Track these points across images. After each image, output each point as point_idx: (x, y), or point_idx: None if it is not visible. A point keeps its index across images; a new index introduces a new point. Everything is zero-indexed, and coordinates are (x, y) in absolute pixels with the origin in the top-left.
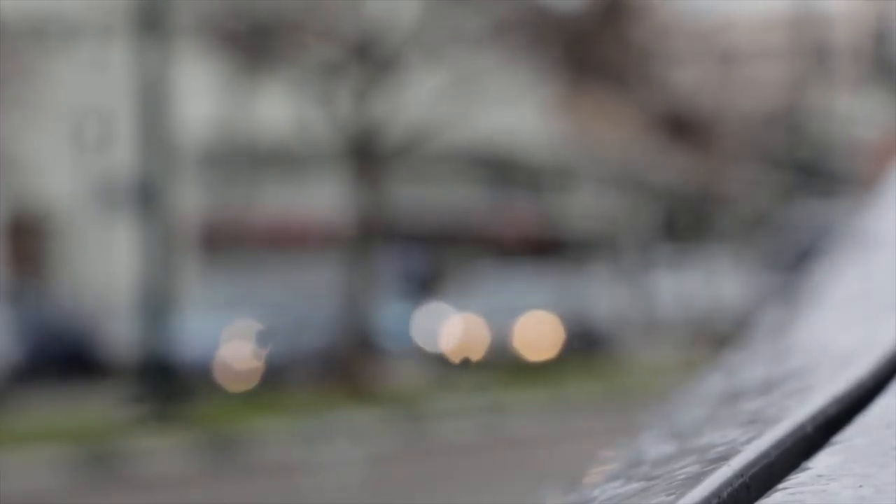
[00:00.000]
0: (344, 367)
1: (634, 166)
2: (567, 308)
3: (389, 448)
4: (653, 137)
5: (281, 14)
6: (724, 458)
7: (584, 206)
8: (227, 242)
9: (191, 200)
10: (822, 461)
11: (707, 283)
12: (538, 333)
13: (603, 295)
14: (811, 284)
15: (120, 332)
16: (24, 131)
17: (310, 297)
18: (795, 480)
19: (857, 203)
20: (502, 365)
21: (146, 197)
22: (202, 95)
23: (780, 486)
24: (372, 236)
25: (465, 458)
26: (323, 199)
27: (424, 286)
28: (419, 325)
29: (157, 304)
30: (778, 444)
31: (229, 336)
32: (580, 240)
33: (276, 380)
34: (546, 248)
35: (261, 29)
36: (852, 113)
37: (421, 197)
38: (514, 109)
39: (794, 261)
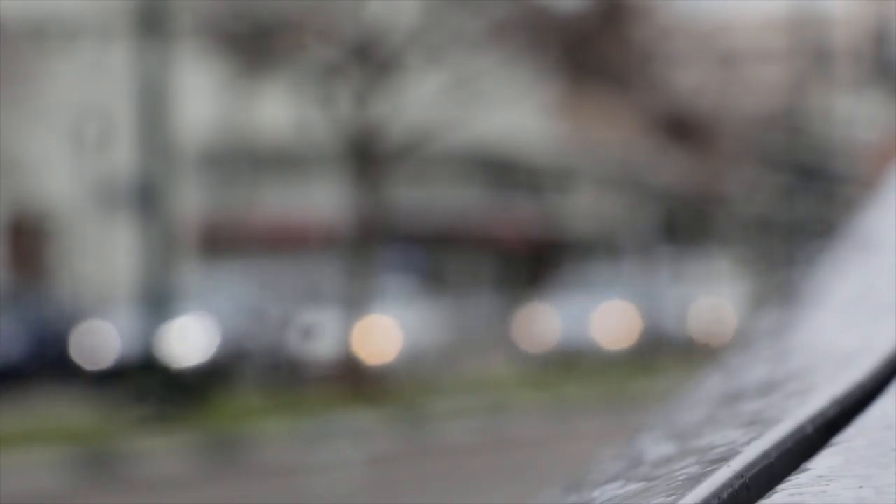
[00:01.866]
0: (345, 368)
1: (634, 167)
2: None
3: (390, 449)
4: (653, 139)
5: (281, 15)
6: (724, 458)
7: (584, 208)
8: (227, 243)
9: (191, 201)
10: (822, 462)
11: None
12: None
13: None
14: (811, 285)
15: (119, 333)
16: (25, 131)
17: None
18: (795, 481)
19: (857, 204)
20: None
21: (146, 197)
22: (202, 96)
23: (781, 486)
24: (372, 237)
25: (465, 459)
26: (323, 200)
27: (423, 287)
28: None
29: (156, 305)
30: (778, 445)
31: None
32: (580, 240)
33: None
34: (546, 249)
35: (261, 30)
36: (852, 114)
37: (421, 198)
38: (514, 111)
39: None
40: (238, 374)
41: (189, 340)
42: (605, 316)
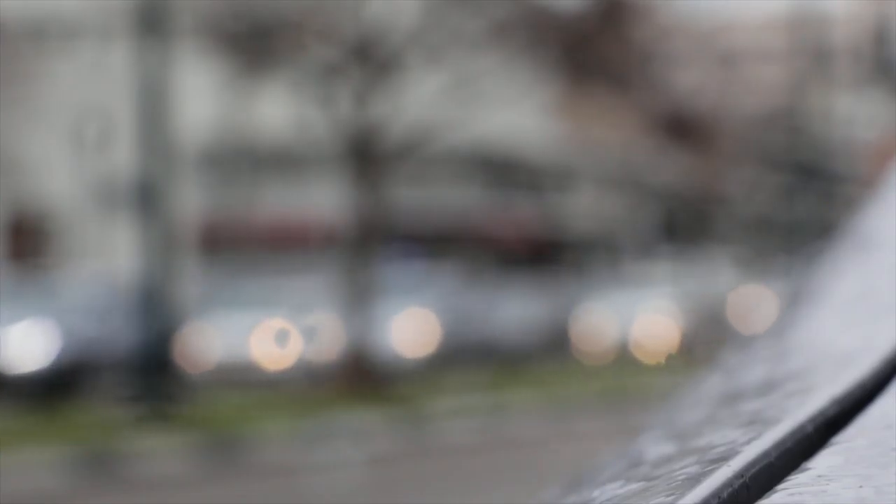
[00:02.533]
0: (345, 367)
1: (634, 167)
2: None
3: (390, 449)
4: (653, 138)
5: (281, 15)
6: (724, 458)
7: (584, 207)
8: (227, 243)
9: (191, 201)
10: (822, 462)
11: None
12: None
13: None
14: (811, 285)
15: (119, 332)
16: (25, 131)
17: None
18: (795, 481)
19: (857, 203)
20: None
21: (146, 197)
22: (202, 96)
23: (780, 486)
24: (372, 237)
25: (465, 459)
26: (323, 200)
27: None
28: None
29: (156, 305)
30: (778, 445)
31: None
32: (580, 240)
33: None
34: (546, 248)
35: (261, 30)
36: (852, 114)
37: (421, 198)
38: (514, 110)
39: None
40: (85, 382)
41: (29, 346)
42: (405, 323)
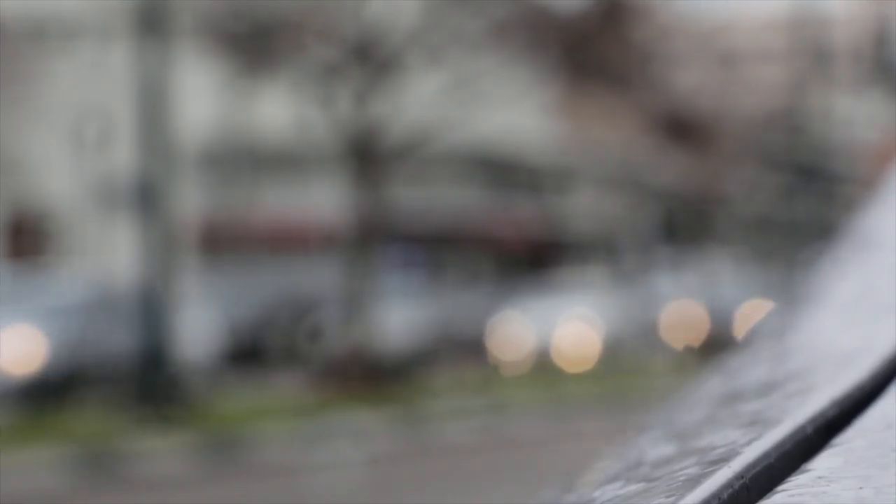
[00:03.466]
0: (344, 367)
1: (634, 167)
2: None
3: (390, 449)
4: (653, 138)
5: (281, 15)
6: (724, 459)
7: (584, 208)
8: (228, 243)
9: (191, 201)
10: (822, 463)
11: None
12: None
13: None
14: (811, 285)
15: (120, 333)
16: (24, 131)
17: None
18: (795, 482)
19: (857, 203)
20: None
21: (146, 197)
22: (202, 96)
23: (781, 487)
24: (372, 237)
25: (465, 459)
26: (323, 200)
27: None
28: None
29: (156, 305)
30: (778, 446)
31: None
32: (580, 241)
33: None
34: (545, 249)
35: (261, 30)
36: (852, 114)
37: (421, 198)
38: (514, 111)
39: None
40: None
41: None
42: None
